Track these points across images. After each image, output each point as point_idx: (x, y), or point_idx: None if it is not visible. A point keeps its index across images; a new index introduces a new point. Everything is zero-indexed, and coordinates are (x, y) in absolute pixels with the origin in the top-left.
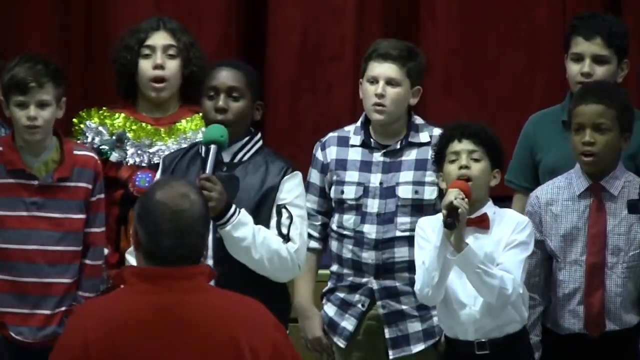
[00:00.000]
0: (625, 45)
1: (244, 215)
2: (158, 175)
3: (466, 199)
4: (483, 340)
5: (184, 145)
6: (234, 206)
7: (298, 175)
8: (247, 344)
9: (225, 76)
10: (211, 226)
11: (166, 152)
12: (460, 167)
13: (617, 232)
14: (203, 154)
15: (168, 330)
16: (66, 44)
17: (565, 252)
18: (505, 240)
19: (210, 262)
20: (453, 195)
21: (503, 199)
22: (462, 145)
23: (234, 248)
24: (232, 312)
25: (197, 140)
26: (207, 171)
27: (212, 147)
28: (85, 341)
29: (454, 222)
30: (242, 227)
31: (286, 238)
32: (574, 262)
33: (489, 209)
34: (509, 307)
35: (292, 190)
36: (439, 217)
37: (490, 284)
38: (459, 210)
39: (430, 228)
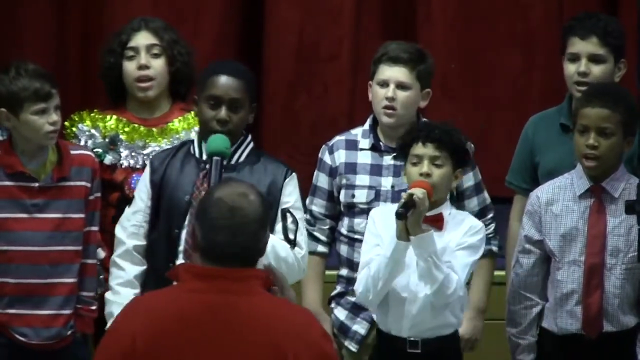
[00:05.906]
0: (622, 44)
1: None
2: (147, 176)
3: (427, 200)
4: (416, 339)
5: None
6: None
7: (295, 176)
8: (291, 352)
9: (228, 86)
10: None
11: None
12: (421, 174)
13: (616, 233)
14: (207, 165)
15: (213, 330)
16: (63, 45)
17: (564, 252)
18: (456, 241)
19: None
20: (416, 191)
21: (503, 200)
22: (425, 150)
23: None
24: (280, 318)
25: (186, 139)
26: (212, 182)
27: (216, 159)
28: (134, 334)
29: (404, 213)
30: None
31: (293, 243)
32: (572, 263)
33: (446, 209)
34: (447, 310)
35: (292, 192)
36: (393, 209)
37: (435, 276)
38: (416, 202)
39: (381, 221)
